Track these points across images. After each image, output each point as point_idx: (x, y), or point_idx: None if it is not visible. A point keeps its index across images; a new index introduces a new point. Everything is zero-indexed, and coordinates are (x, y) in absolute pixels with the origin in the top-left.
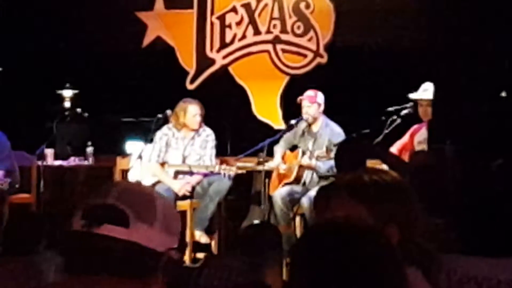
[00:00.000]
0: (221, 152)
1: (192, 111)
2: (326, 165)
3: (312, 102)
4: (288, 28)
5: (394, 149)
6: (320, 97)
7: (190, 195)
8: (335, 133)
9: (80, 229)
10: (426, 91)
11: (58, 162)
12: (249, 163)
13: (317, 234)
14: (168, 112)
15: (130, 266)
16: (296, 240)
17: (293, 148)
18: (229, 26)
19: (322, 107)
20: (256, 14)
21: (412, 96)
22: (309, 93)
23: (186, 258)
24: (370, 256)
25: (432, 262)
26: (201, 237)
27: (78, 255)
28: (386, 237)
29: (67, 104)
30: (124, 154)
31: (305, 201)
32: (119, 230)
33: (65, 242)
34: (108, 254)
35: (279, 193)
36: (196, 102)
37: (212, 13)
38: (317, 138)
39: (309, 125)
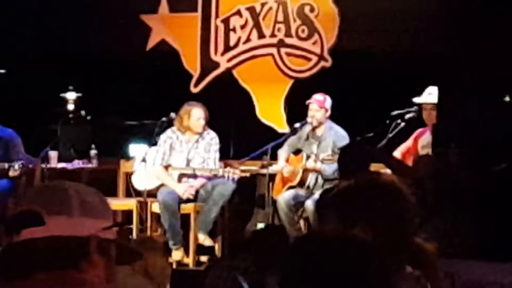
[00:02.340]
0: (225, 155)
1: (196, 114)
2: (331, 168)
3: (321, 106)
4: (293, 31)
5: (397, 153)
6: (329, 102)
7: (194, 198)
8: (340, 136)
9: (4, 244)
10: (430, 95)
11: (61, 165)
12: (253, 167)
13: (305, 247)
14: (172, 115)
15: (57, 259)
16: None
17: (297, 152)
18: (234, 29)
19: (329, 113)
20: (260, 18)
21: (416, 100)
22: (318, 97)
23: (190, 261)
24: (355, 267)
25: (429, 263)
26: (205, 240)
27: (8, 267)
28: (372, 246)
29: (70, 106)
30: (127, 157)
31: (309, 205)
32: (37, 230)
33: None
34: (33, 255)
35: (283, 196)
36: (200, 105)
37: (216, 16)
38: (322, 141)
39: (314, 128)
